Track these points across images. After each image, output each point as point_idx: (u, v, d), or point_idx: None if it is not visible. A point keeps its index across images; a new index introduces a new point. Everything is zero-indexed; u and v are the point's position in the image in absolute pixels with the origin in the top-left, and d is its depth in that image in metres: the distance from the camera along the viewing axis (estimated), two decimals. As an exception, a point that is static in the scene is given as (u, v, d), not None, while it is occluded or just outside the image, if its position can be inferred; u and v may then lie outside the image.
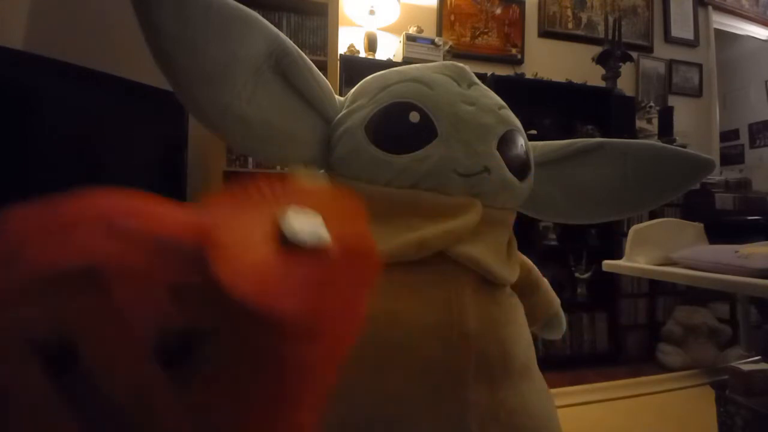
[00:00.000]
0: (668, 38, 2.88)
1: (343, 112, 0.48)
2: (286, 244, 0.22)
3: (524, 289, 0.59)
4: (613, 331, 2.09)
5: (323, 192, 0.28)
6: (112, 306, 0.19)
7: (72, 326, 0.18)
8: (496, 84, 1.96)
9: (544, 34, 2.55)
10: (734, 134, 3.98)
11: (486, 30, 2.41)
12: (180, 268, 0.20)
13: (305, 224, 0.23)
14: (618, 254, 1.44)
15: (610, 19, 2.41)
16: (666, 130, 2.38)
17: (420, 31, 2.03)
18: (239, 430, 0.20)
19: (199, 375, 0.19)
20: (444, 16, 2.33)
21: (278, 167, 1.69)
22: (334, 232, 0.23)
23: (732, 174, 2.84)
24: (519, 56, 2.46)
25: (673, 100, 2.81)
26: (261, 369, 0.20)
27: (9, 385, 0.18)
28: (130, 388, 0.18)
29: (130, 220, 0.22)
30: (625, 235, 1.30)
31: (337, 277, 0.23)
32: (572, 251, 2.11)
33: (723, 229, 1.51)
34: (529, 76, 2.23)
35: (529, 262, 0.64)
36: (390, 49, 2.11)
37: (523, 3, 2.50)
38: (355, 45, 1.97)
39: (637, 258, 1.15)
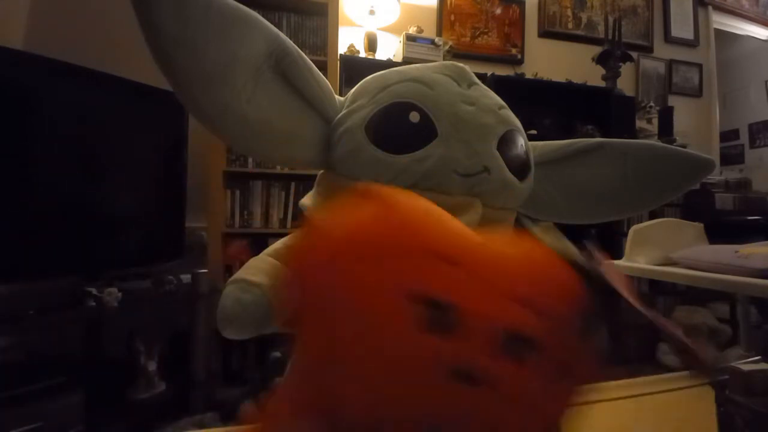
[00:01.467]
0: (668, 38, 2.88)
1: (343, 112, 0.48)
2: None
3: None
4: (612, 332, 2.09)
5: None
6: (496, 287, 0.24)
7: (456, 293, 0.23)
8: (496, 84, 1.96)
9: (544, 34, 2.55)
10: (734, 134, 3.98)
11: (486, 30, 2.41)
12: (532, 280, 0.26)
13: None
14: (618, 254, 1.44)
15: (610, 19, 2.41)
16: (666, 130, 2.38)
17: (420, 31, 2.03)
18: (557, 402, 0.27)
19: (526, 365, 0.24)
20: (444, 16, 2.33)
21: (278, 167, 1.69)
22: None
23: (732, 174, 2.84)
24: (519, 56, 2.46)
25: (673, 100, 2.81)
26: (565, 384, 0.27)
27: (387, 318, 0.23)
28: (482, 353, 0.23)
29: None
30: (625, 235, 1.30)
31: None
32: (572, 251, 2.11)
33: (723, 229, 1.51)
34: (529, 76, 2.23)
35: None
36: (390, 49, 2.11)
37: (523, 3, 2.50)
38: (355, 45, 1.97)
39: (637, 258, 1.15)
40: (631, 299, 0.28)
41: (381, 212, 0.26)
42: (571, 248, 0.29)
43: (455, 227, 0.28)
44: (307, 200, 0.51)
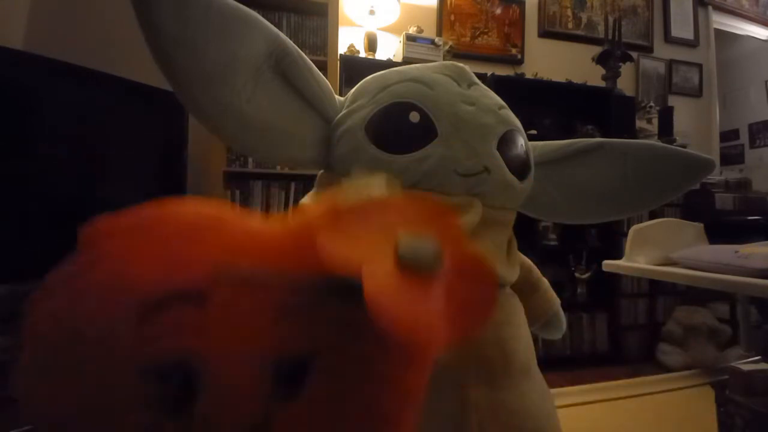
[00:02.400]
0: (668, 38, 2.88)
1: (343, 112, 0.48)
2: (406, 266, 0.21)
3: (524, 289, 0.59)
4: (613, 331, 2.09)
5: (413, 205, 0.27)
6: (231, 323, 0.19)
7: (191, 346, 0.18)
8: (496, 84, 1.96)
9: (544, 34, 2.55)
10: (734, 134, 3.98)
11: (486, 30, 2.41)
12: (287, 287, 0.20)
13: (422, 246, 0.22)
14: (618, 254, 1.44)
15: (610, 19, 2.41)
16: (666, 130, 2.38)
17: (420, 31, 2.03)
18: None
19: (305, 393, 0.19)
20: (444, 16, 2.33)
21: (278, 167, 1.69)
22: (448, 254, 0.23)
23: (732, 174, 2.84)
24: (519, 56, 2.46)
25: (673, 100, 2.81)
26: (365, 388, 0.21)
27: (120, 418, 0.18)
28: (248, 407, 0.18)
29: (231, 237, 0.22)
30: (625, 235, 1.30)
31: (454, 299, 0.23)
32: (572, 251, 2.11)
33: (723, 229, 1.51)
34: (529, 76, 2.23)
35: (529, 262, 0.64)
36: (390, 49, 2.11)
37: (523, 3, 2.50)
38: (355, 45, 1.97)
39: (637, 258, 1.15)
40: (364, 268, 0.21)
41: (90, 261, 0.21)
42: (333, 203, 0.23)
43: (215, 236, 0.22)
44: (307, 200, 0.51)
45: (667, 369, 1.91)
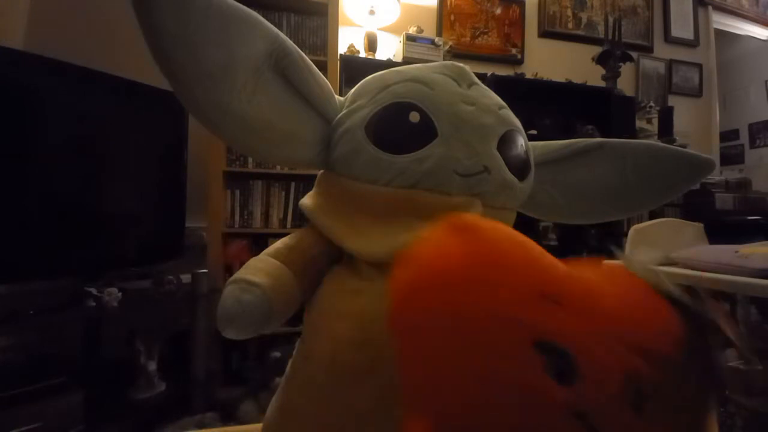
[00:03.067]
0: (668, 38, 2.88)
1: (343, 112, 0.48)
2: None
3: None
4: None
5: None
6: (608, 333, 0.23)
7: (571, 340, 0.23)
8: (496, 84, 1.96)
9: (544, 34, 2.55)
10: (734, 134, 3.98)
11: (486, 30, 2.41)
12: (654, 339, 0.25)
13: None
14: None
15: (610, 19, 2.41)
16: (666, 130, 2.38)
17: (420, 31, 2.03)
18: None
19: (644, 414, 0.23)
20: (444, 16, 2.33)
21: (278, 167, 1.69)
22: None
23: (732, 174, 2.84)
24: (519, 56, 2.46)
25: (673, 100, 2.81)
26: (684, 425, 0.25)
27: (514, 378, 0.22)
28: (606, 407, 0.22)
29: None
30: (625, 235, 1.30)
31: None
32: (572, 251, 2.11)
33: (723, 229, 1.51)
34: (529, 76, 2.23)
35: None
36: (390, 49, 2.11)
37: (523, 3, 2.50)
38: (355, 45, 1.97)
39: (637, 258, 1.14)
40: (728, 328, 0.27)
41: (474, 245, 0.26)
42: (663, 279, 0.28)
43: (548, 260, 0.27)
44: (307, 200, 0.51)
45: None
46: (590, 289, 0.26)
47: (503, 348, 0.23)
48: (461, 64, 0.51)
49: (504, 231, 0.29)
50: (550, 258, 0.28)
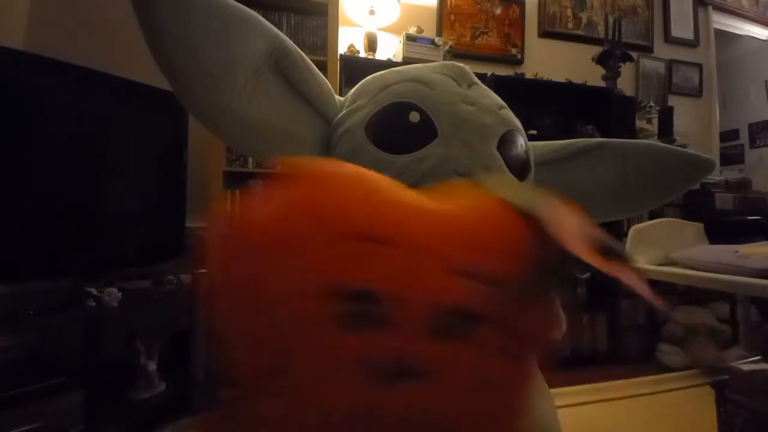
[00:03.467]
0: (668, 38, 2.88)
1: (343, 112, 0.48)
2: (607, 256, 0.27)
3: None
4: (612, 331, 2.09)
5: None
6: (416, 269, 0.22)
7: (375, 278, 0.22)
8: (496, 84, 1.96)
9: (544, 34, 2.55)
10: (734, 134, 3.98)
11: (486, 30, 2.41)
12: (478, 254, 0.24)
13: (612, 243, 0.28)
14: (618, 254, 1.43)
15: (610, 19, 2.41)
16: (666, 130, 2.38)
17: (420, 31, 2.02)
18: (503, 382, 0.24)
19: (462, 342, 0.23)
20: (444, 16, 2.33)
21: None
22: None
23: (732, 174, 2.84)
24: (519, 56, 2.46)
25: (673, 100, 2.81)
26: (509, 357, 0.24)
27: (306, 320, 0.21)
28: (415, 342, 0.22)
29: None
30: (625, 235, 1.30)
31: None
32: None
33: (723, 229, 1.51)
34: (529, 76, 2.23)
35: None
36: (390, 49, 2.11)
37: (523, 3, 2.50)
38: (355, 45, 1.97)
39: (637, 258, 1.15)
40: (584, 251, 0.26)
41: (307, 195, 0.24)
42: (524, 198, 0.26)
43: (393, 197, 0.25)
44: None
45: (667, 369, 1.91)
46: (431, 220, 0.24)
47: (293, 303, 0.22)
48: (461, 64, 0.51)
49: (347, 174, 0.26)
50: (392, 194, 0.25)
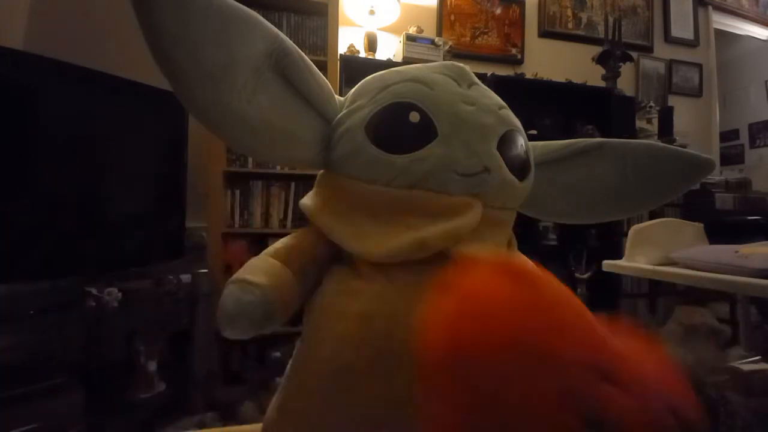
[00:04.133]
0: (668, 38, 2.88)
1: (343, 112, 0.48)
2: None
3: (524, 289, 0.59)
4: (613, 331, 2.09)
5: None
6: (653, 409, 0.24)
7: (620, 419, 0.23)
8: (496, 84, 1.96)
9: (544, 34, 2.55)
10: (734, 134, 3.98)
11: (486, 30, 2.41)
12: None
13: None
14: (618, 254, 1.44)
15: (610, 19, 2.41)
16: (666, 130, 2.38)
17: (420, 31, 2.03)
18: None
19: None
20: (444, 16, 2.33)
21: (278, 167, 1.69)
22: None
23: (732, 174, 2.84)
24: (519, 56, 2.46)
25: (673, 100, 2.81)
26: None
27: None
28: None
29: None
30: (625, 235, 1.30)
31: None
32: (572, 251, 2.11)
33: (723, 229, 1.51)
34: (529, 76, 2.23)
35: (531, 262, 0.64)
36: (390, 49, 2.11)
37: (523, 3, 2.50)
38: (355, 45, 1.97)
39: (637, 258, 1.15)
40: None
41: (526, 291, 0.26)
42: (690, 358, 0.30)
43: (598, 328, 0.28)
44: (307, 200, 0.51)
45: (667, 369, 1.91)
46: (636, 364, 0.27)
47: (550, 410, 0.23)
48: (461, 64, 0.51)
49: (554, 284, 0.29)
50: (598, 325, 0.28)
